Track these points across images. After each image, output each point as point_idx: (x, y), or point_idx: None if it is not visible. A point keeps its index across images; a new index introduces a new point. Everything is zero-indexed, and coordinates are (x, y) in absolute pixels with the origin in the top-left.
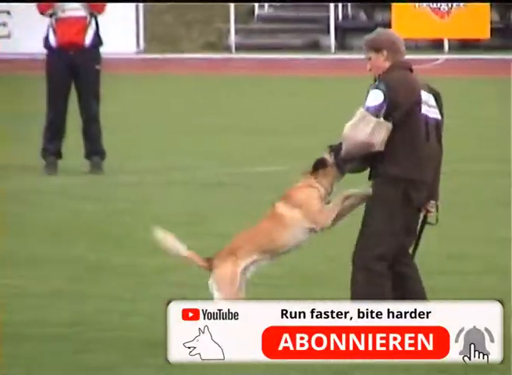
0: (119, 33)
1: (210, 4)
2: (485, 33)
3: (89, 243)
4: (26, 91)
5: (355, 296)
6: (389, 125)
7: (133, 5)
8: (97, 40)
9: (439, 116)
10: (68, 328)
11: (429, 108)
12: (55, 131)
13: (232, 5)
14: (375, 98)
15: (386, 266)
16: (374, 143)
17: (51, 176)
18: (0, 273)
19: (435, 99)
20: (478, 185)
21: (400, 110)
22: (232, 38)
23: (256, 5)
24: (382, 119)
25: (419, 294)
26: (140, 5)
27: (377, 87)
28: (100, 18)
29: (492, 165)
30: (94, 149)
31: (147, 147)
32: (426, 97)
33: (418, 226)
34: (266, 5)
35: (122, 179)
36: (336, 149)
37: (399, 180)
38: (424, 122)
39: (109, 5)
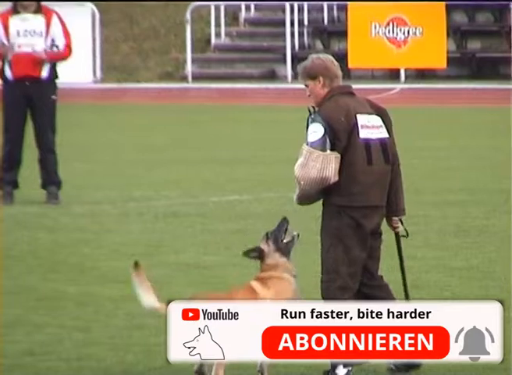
0: (76, 62)
1: (166, 34)
2: (441, 63)
3: (44, 272)
4: None
5: None
6: (337, 154)
7: (89, 35)
8: (54, 73)
9: (384, 135)
10: (23, 358)
11: (371, 130)
12: (11, 161)
13: (188, 35)
14: (316, 131)
15: (352, 293)
16: (328, 176)
17: (8, 206)
18: None
19: (382, 117)
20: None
21: (341, 138)
22: (189, 68)
23: (212, 34)
24: (328, 151)
25: None
26: (97, 34)
27: (315, 121)
28: None
29: (448, 195)
30: (51, 179)
31: (104, 177)
32: (365, 119)
33: (379, 249)
34: (223, 34)
35: (78, 209)
36: (273, 235)
37: (344, 209)
38: (365, 146)
39: None
